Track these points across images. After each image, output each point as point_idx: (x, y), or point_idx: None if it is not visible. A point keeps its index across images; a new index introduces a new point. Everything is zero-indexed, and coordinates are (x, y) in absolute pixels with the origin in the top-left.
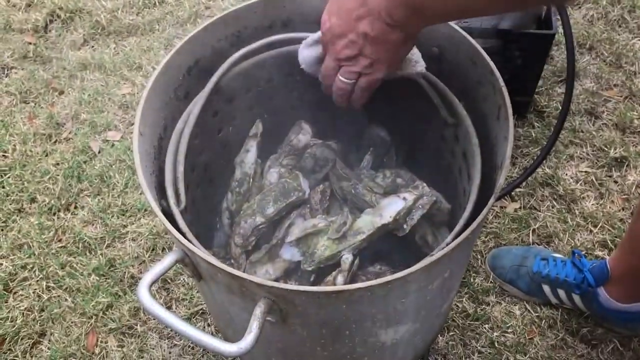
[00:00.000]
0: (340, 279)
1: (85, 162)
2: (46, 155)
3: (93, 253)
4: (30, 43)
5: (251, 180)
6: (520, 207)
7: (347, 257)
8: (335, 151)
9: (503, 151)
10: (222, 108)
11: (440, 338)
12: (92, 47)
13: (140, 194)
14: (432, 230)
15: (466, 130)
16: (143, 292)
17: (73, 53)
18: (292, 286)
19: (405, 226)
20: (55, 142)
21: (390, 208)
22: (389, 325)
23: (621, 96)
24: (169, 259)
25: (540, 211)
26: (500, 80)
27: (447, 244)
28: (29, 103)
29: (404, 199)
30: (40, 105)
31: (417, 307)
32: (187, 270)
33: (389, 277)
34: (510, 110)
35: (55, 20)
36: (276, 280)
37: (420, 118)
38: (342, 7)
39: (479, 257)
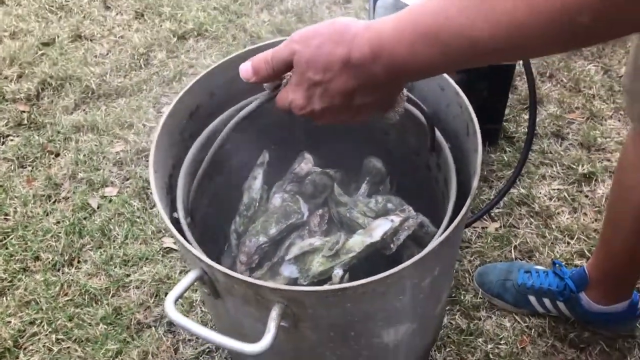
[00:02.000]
0: None
1: (85, 218)
2: (47, 215)
3: (99, 303)
4: (23, 111)
5: (257, 204)
6: (500, 226)
7: (337, 272)
8: (333, 178)
9: (475, 161)
10: (230, 140)
11: (438, 355)
12: (84, 110)
13: (140, 244)
14: (419, 252)
15: (445, 158)
16: (169, 306)
17: (66, 117)
18: (302, 287)
19: (392, 245)
20: (54, 201)
21: (379, 229)
22: (389, 324)
23: (583, 117)
24: (189, 277)
25: (519, 228)
26: (465, 99)
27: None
28: (26, 167)
29: (392, 220)
30: (38, 169)
31: (414, 305)
32: (205, 288)
33: (386, 273)
34: (477, 126)
35: (47, 88)
36: None
37: (411, 150)
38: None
39: (467, 275)
